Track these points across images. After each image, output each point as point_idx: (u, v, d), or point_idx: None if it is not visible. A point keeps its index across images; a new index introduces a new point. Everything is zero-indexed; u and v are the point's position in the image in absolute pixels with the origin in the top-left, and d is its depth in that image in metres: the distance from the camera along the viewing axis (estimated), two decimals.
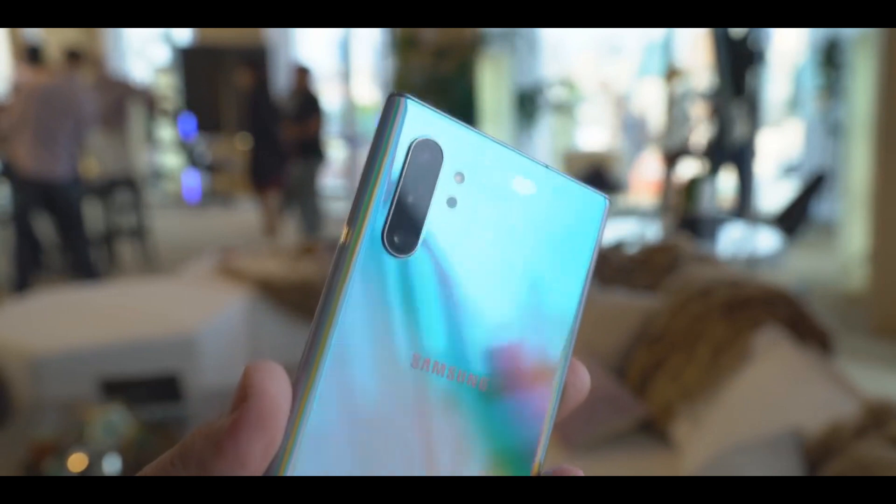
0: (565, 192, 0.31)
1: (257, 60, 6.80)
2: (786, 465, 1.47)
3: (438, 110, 0.29)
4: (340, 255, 0.28)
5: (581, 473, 0.30)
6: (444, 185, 0.29)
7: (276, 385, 0.25)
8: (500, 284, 0.30)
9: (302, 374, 0.27)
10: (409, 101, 0.29)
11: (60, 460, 2.08)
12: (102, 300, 3.59)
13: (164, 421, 2.39)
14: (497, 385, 0.30)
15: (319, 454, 0.26)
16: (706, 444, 1.90)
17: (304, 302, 3.81)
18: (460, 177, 0.29)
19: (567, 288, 0.31)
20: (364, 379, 0.27)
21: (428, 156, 0.29)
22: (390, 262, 0.28)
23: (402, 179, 0.28)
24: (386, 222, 0.28)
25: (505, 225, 0.30)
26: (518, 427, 0.30)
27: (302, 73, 6.48)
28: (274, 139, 6.36)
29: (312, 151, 6.49)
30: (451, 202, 0.29)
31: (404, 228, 0.28)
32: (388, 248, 0.28)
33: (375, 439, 0.27)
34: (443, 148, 0.29)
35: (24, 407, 2.76)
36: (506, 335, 0.30)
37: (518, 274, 0.30)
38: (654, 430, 2.32)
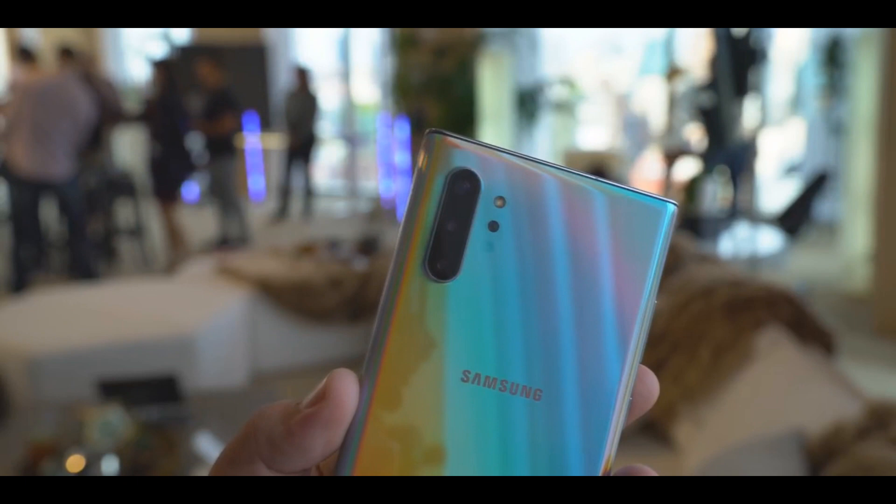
0: (618, 204, 0.31)
1: (169, 59, 6.05)
2: (788, 466, 1.46)
3: (476, 140, 0.31)
4: (388, 285, 0.31)
5: (652, 472, 0.31)
6: (485, 211, 0.31)
7: (350, 397, 0.29)
8: (550, 299, 0.31)
9: (363, 390, 0.30)
10: (443, 136, 0.31)
11: (58, 461, 2.07)
12: (100, 300, 3.58)
13: (163, 422, 2.39)
14: (552, 395, 0.31)
15: (377, 461, 0.30)
16: (708, 445, 1.90)
17: (303, 302, 3.81)
18: (501, 201, 0.31)
19: (626, 298, 0.31)
20: (416, 396, 0.30)
21: (465, 185, 0.31)
22: (435, 288, 0.30)
23: (440, 210, 0.31)
24: (427, 251, 0.30)
25: (553, 241, 0.31)
26: (577, 435, 0.31)
27: (210, 69, 6.14)
28: (182, 146, 5.81)
29: (224, 150, 6.27)
30: (493, 226, 0.31)
31: (446, 255, 0.30)
32: (432, 274, 0.30)
33: (429, 452, 0.30)
34: (480, 176, 0.31)
35: (22, 407, 2.75)
36: (559, 347, 0.31)
37: (570, 287, 0.31)
38: (655, 431, 2.31)
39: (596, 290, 0.31)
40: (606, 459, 0.31)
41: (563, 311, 0.31)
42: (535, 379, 0.30)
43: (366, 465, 0.30)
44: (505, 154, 0.31)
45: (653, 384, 0.32)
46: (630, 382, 0.31)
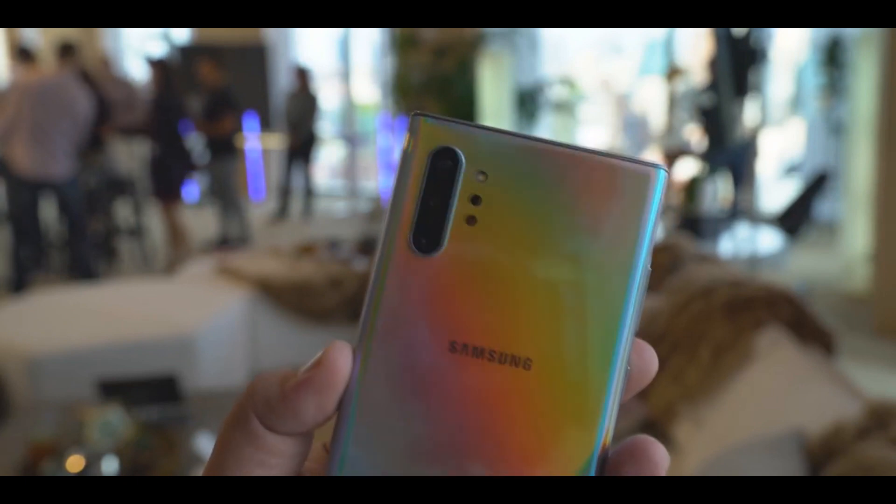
0: (606, 171, 0.31)
1: (165, 59, 6.03)
2: (788, 466, 1.46)
3: (457, 120, 0.32)
4: (377, 263, 0.32)
5: (658, 445, 0.30)
6: (467, 186, 0.32)
7: (343, 365, 0.31)
8: (537, 268, 0.31)
9: (355, 361, 0.31)
10: (424, 117, 0.32)
11: (58, 461, 2.07)
12: (100, 300, 3.58)
13: (163, 422, 2.39)
14: (541, 365, 0.31)
15: (371, 430, 0.31)
16: (708, 445, 1.90)
17: (304, 302, 3.81)
18: (483, 176, 0.32)
19: (618, 265, 0.31)
20: (405, 366, 0.31)
21: (447, 162, 0.32)
22: (420, 262, 0.31)
23: (423, 187, 0.32)
24: (412, 227, 0.31)
25: (538, 212, 0.31)
26: (571, 405, 0.31)
27: (210, 69, 6.11)
28: (182, 145, 5.80)
29: (224, 150, 6.26)
30: (476, 200, 0.31)
31: (429, 230, 0.31)
32: (416, 249, 0.31)
33: (419, 422, 0.30)
34: (461, 153, 0.32)
35: (23, 407, 2.75)
36: (546, 316, 0.31)
37: (557, 256, 0.31)
38: (655, 431, 2.31)
39: (585, 259, 0.31)
40: (606, 431, 0.31)
41: (550, 280, 0.31)
42: (523, 348, 0.31)
43: (361, 434, 0.30)
44: (487, 131, 0.32)
45: (651, 357, 0.32)
46: (625, 353, 0.31)
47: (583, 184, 0.31)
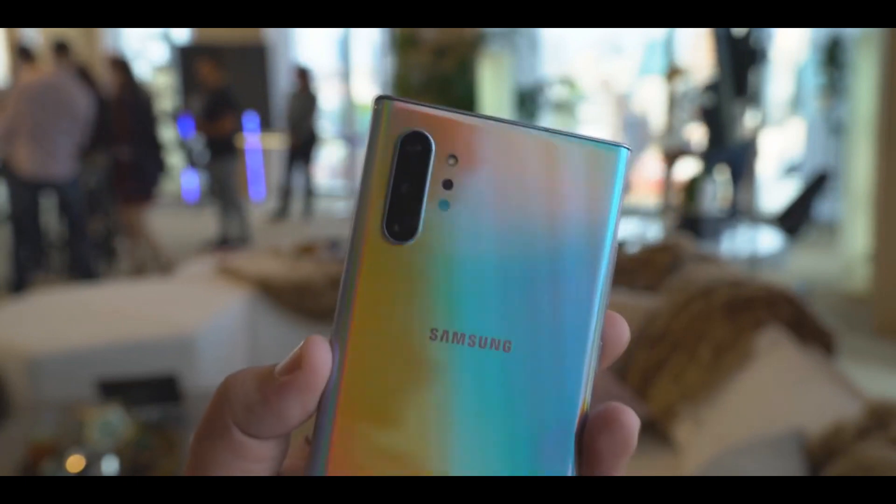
0: (571, 152, 0.32)
1: (125, 59, 5.78)
2: (788, 466, 1.46)
3: (426, 104, 0.31)
4: (350, 253, 0.31)
5: (628, 410, 0.31)
6: (438, 171, 0.31)
7: (324, 364, 0.30)
8: (510, 250, 0.31)
9: (334, 355, 0.30)
10: (391, 101, 0.31)
11: (58, 461, 2.07)
12: (100, 300, 3.58)
13: (163, 422, 2.39)
14: (521, 345, 0.31)
15: (354, 422, 0.30)
16: (708, 445, 1.90)
17: (304, 302, 3.81)
18: (454, 159, 0.31)
19: (589, 243, 0.32)
20: (386, 358, 0.30)
21: (417, 147, 0.31)
22: (395, 250, 0.31)
23: (393, 172, 0.31)
24: (384, 215, 0.31)
25: (508, 194, 0.31)
26: (551, 382, 0.31)
27: (210, 69, 6.12)
28: (156, 145, 5.69)
29: (224, 150, 6.25)
30: (447, 184, 0.31)
31: (402, 217, 0.31)
32: (390, 237, 0.31)
33: (403, 410, 0.30)
34: (431, 137, 0.31)
35: (22, 408, 2.75)
36: (523, 297, 0.31)
37: (530, 237, 0.31)
38: (655, 430, 2.31)
39: (556, 238, 0.31)
40: (583, 402, 0.31)
41: (525, 262, 0.31)
42: (502, 331, 0.31)
43: (343, 430, 0.30)
44: (455, 114, 0.31)
45: (622, 328, 0.33)
46: (598, 326, 0.32)
47: (550, 164, 0.31)
